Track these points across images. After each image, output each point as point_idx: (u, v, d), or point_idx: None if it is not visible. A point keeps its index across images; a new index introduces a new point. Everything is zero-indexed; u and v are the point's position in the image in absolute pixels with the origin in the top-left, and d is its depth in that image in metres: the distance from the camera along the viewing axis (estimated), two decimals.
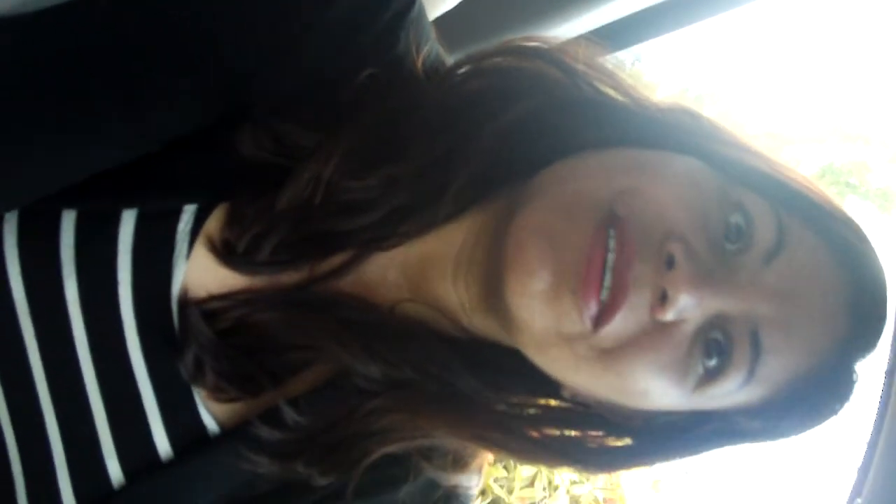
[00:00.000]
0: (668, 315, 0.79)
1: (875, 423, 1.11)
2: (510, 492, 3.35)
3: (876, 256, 0.88)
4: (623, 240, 0.79)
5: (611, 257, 0.78)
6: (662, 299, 0.78)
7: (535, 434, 0.91)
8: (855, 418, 0.91)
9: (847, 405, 0.88)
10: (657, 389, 0.82)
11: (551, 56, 0.92)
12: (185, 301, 0.87)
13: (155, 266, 0.86)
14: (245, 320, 0.88)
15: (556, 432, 0.93)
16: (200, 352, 0.86)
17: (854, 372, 0.88)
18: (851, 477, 1.14)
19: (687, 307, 0.79)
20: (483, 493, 3.22)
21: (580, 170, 0.85)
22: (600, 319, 0.79)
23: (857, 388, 0.88)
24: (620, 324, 0.79)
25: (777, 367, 0.83)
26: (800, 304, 0.83)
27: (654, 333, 0.80)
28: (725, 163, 0.87)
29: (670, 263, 0.78)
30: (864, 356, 0.88)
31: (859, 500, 1.11)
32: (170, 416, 0.87)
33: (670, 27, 1.73)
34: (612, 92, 0.92)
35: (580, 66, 0.91)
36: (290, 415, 0.88)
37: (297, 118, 0.89)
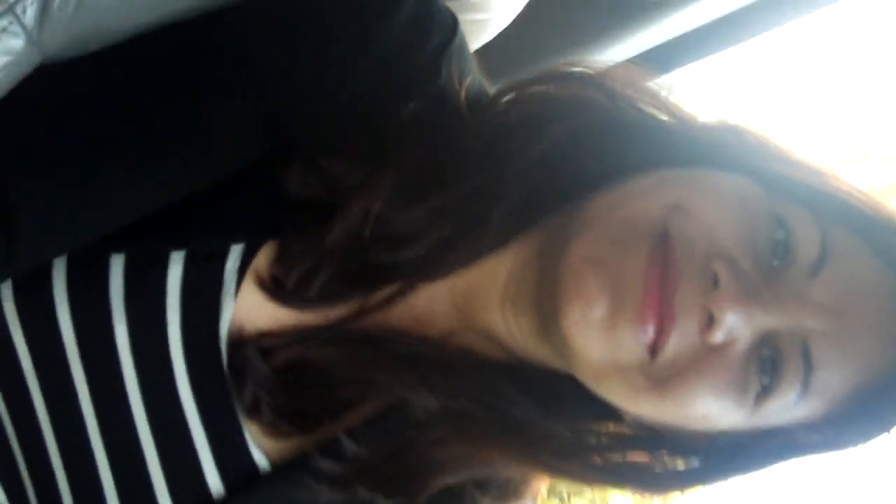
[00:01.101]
0: (717, 336, 0.78)
1: None
2: None
3: None
4: (669, 262, 0.78)
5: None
6: (710, 321, 0.78)
7: (598, 460, 0.91)
8: None
9: None
10: (717, 412, 0.81)
11: (594, 80, 0.92)
12: (236, 339, 0.87)
13: (203, 306, 0.86)
14: (299, 357, 0.88)
15: (620, 457, 0.92)
16: (257, 388, 0.86)
17: None
18: None
19: (735, 326, 0.78)
20: None
21: (627, 193, 0.85)
22: (656, 346, 0.78)
23: None
24: (673, 350, 0.79)
25: (833, 380, 0.82)
26: (850, 316, 0.81)
27: (709, 357, 0.79)
28: (770, 178, 0.86)
29: (715, 283, 0.78)
30: None
31: None
32: (221, 454, 0.87)
33: (702, 54, 1.73)
34: (657, 113, 0.91)
35: (624, 90, 0.91)
36: (349, 445, 0.87)
37: (343, 154, 0.89)
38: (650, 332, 0.78)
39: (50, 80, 0.82)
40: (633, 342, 0.78)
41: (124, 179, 0.84)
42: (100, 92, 0.83)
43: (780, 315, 0.80)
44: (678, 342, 0.78)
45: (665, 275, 0.78)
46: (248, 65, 0.87)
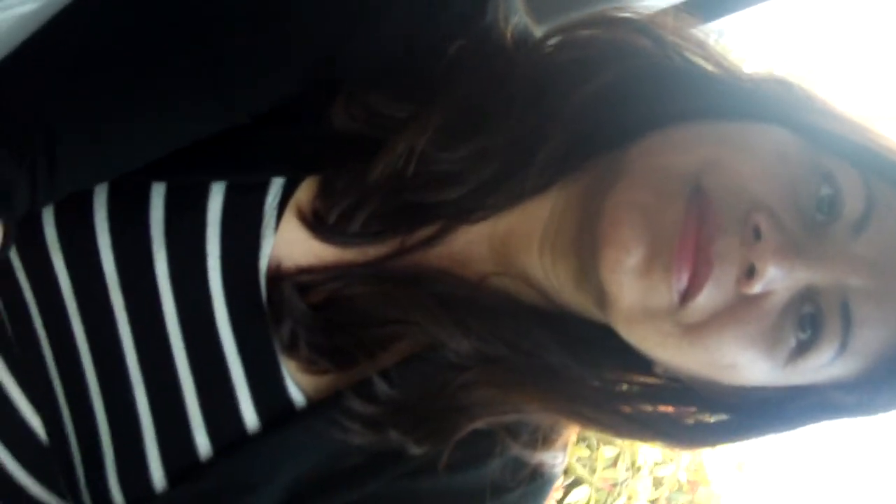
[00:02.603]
0: (756, 288, 0.77)
1: None
2: (593, 471, 3.34)
3: None
4: (706, 213, 0.78)
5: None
6: (749, 273, 0.77)
7: (628, 410, 0.91)
8: None
9: None
10: (746, 363, 0.81)
11: (642, 26, 0.90)
12: (274, 274, 0.87)
13: (243, 239, 0.87)
14: (339, 294, 0.88)
15: (651, 408, 0.92)
16: (295, 325, 0.86)
17: None
18: None
19: (775, 279, 0.77)
20: (566, 472, 3.21)
21: (668, 143, 0.84)
22: (687, 294, 0.78)
23: None
24: (706, 298, 0.78)
25: (870, 339, 0.81)
26: (892, 274, 0.80)
27: (742, 306, 0.79)
28: (816, 132, 0.85)
29: (757, 235, 0.77)
30: None
31: None
32: (258, 389, 0.88)
33: (753, 1, 1.71)
34: (703, 62, 0.90)
35: (671, 37, 0.90)
36: (381, 387, 0.88)
37: (389, 89, 0.88)
38: (684, 279, 0.78)
39: (92, 9, 0.82)
40: (665, 289, 0.78)
41: (164, 110, 0.84)
42: (141, 22, 0.83)
43: (823, 271, 0.79)
44: (712, 292, 0.78)
45: (702, 225, 0.77)
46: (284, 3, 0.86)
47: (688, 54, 0.90)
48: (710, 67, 0.90)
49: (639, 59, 0.89)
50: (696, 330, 0.80)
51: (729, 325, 0.79)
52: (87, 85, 0.82)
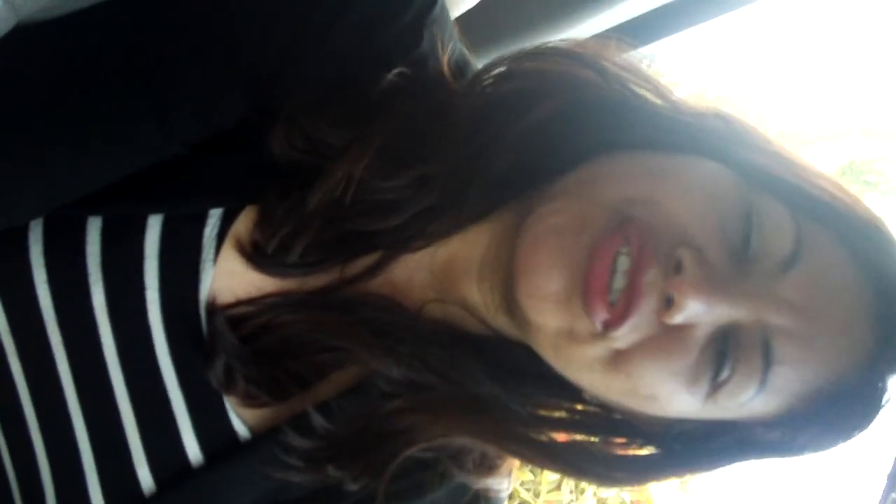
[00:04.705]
0: (675, 318, 0.78)
1: None
2: (537, 495, 3.34)
3: None
4: (638, 246, 0.78)
5: (623, 261, 0.78)
6: (668, 304, 0.78)
7: (559, 438, 0.91)
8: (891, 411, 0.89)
9: (872, 422, 0.86)
10: (667, 394, 0.81)
11: (587, 59, 0.91)
12: (212, 306, 0.87)
13: (182, 271, 0.86)
14: (272, 324, 0.88)
15: (579, 439, 0.92)
16: (229, 359, 0.85)
17: (882, 388, 0.85)
18: (885, 472, 1.12)
19: (696, 313, 0.78)
20: (510, 497, 3.22)
21: (600, 173, 0.85)
22: (610, 324, 0.79)
23: (885, 405, 0.85)
24: (630, 328, 0.79)
25: (791, 379, 0.82)
26: (816, 316, 0.81)
27: (665, 338, 0.79)
28: (750, 169, 0.85)
29: (678, 269, 0.78)
30: (893, 370, 0.85)
31: (894, 495, 1.10)
32: (200, 422, 0.87)
33: (685, 25, 1.73)
34: (647, 94, 0.91)
35: (615, 69, 0.90)
36: (318, 421, 0.88)
37: (328, 116, 0.88)
38: (600, 312, 0.78)
39: (24, 41, 0.81)
40: (585, 317, 0.79)
41: (95, 141, 0.83)
42: (70, 52, 0.83)
43: (745, 307, 0.80)
44: (636, 321, 0.79)
45: (637, 257, 0.78)
46: (225, 26, 0.86)
47: (631, 86, 0.90)
48: (653, 99, 0.91)
49: (581, 90, 0.90)
50: (621, 356, 0.80)
51: (651, 354, 0.80)
52: (20, 114, 0.81)
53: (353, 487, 0.89)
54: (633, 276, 0.78)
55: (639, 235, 0.78)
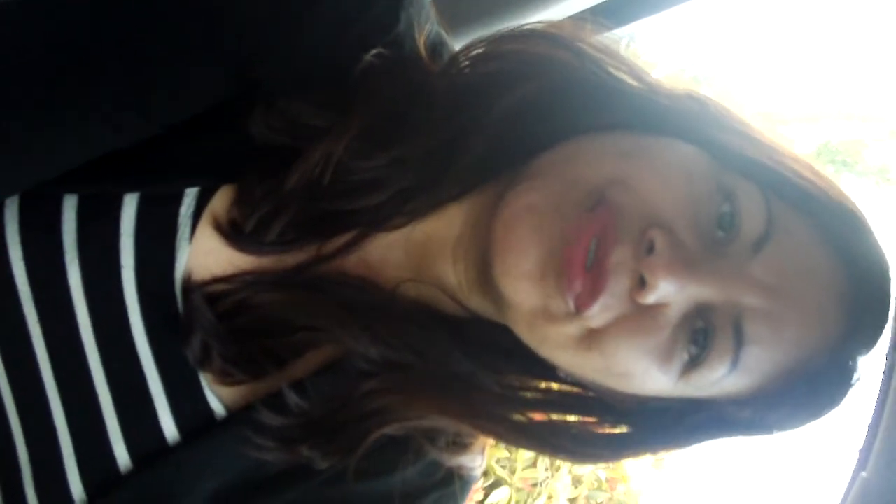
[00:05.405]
0: (648, 298, 0.79)
1: (878, 397, 1.11)
2: (512, 472, 3.35)
3: (879, 249, 0.87)
4: (605, 226, 0.79)
5: (594, 242, 0.79)
6: (641, 284, 0.79)
7: (535, 417, 0.92)
8: (861, 391, 0.90)
9: (842, 402, 0.87)
10: (640, 372, 0.82)
11: (564, 41, 0.91)
12: (188, 284, 0.87)
13: (158, 250, 0.86)
14: (248, 302, 0.88)
15: (553, 418, 0.93)
16: (206, 336, 0.86)
17: (851, 368, 0.87)
18: (856, 450, 1.14)
19: (669, 293, 0.79)
20: (485, 474, 3.22)
21: (576, 153, 0.85)
22: (582, 303, 0.79)
23: (854, 385, 0.87)
24: (602, 307, 0.80)
25: (763, 359, 0.83)
26: (787, 296, 0.82)
27: (639, 317, 0.80)
28: (724, 150, 0.86)
29: (650, 249, 0.78)
30: (863, 352, 0.87)
31: (864, 474, 1.11)
32: (176, 400, 0.87)
33: (665, 5, 1.73)
34: (624, 77, 0.91)
35: (592, 51, 0.91)
36: (292, 399, 0.88)
37: (307, 97, 0.88)
38: (577, 286, 0.79)
39: (4, 16, 0.81)
40: (559, 295, 0.80)
41: (73, 121, 0.83)
42: (45, 31, 0.82)
43: (716, 288, 0.81)
44: (608, 301, 0.80)
45: (601, 237, 0.79)
46: (204, 7, 0.86)
47: (609, 68, 0.91)
48: (629, 80, 0.91)
49: (558, 72, 0.90)
50: (596, 334, 0.81)
51: (625, 332, 0.81)
52: None
53: (322, 465, 0.89)
54: (599, 257, 0.79)
55: (606, 216, 0.79)
